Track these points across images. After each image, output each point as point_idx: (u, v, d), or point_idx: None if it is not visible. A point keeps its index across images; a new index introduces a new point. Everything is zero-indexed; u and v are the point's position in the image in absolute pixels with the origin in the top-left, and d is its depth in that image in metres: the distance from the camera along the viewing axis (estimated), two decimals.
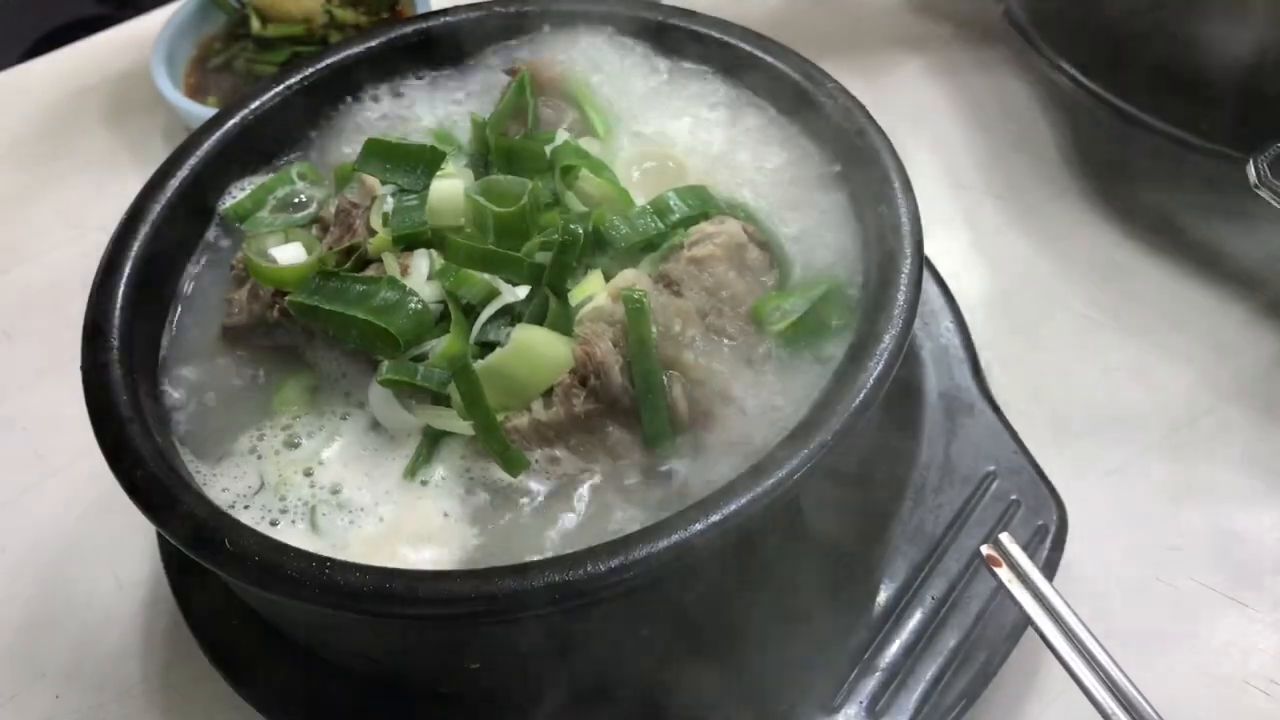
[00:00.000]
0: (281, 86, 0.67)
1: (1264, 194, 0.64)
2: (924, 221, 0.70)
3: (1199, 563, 0.63)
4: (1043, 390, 0.70)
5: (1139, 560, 0.63)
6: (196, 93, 0.91)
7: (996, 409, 0.65)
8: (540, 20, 0.69)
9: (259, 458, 0.55)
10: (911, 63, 0.92)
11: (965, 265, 0.74)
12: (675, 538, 0.46)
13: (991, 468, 0.62)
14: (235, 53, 0.92)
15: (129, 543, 0.69)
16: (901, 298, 0.53)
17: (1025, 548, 0.58)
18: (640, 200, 0.61)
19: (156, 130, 0.95)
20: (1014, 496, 0.61)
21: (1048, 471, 0.62)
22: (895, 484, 0.61)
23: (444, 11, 0.70)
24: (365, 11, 0.95)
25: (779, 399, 0.54)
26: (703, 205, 0.60)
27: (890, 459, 0.62)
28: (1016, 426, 0.64)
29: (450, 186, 0.59)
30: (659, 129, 0.65)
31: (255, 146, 0.66)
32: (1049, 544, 0.59)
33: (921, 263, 0.55)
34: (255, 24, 0.91)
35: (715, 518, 0.46)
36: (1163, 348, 0.72)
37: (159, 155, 0.83)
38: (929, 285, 0.71)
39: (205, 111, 0.85)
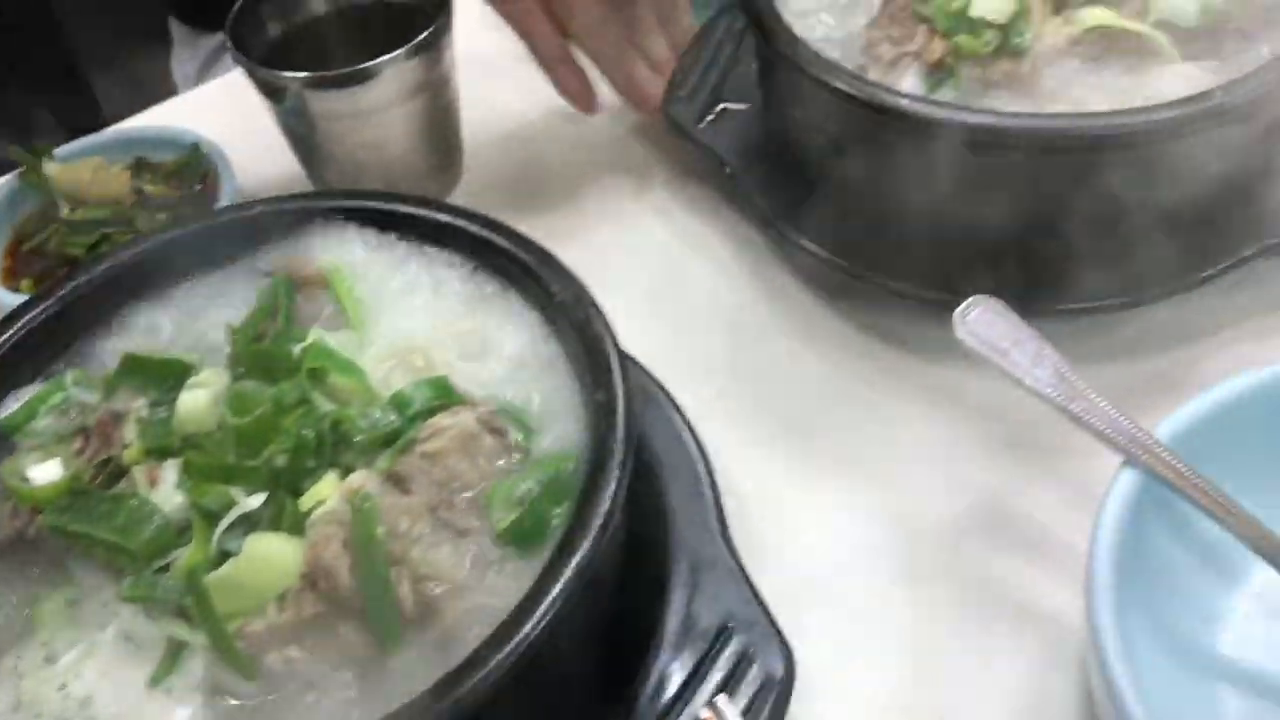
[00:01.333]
0: (63, 291, 0.71)
1: (969, 343, 0.70)
2: (674, 367, 0.77)
3: (937, 705, 0.68)
4: (784, 535, 0.75)
5: (874, 711, 0.67)
6: (13, 275, 0.95)
7: (737, 559, 0.69)
8: (306, 217, 0.74)
9: (20, 676, 0.58)
10: (642, 209, 0.98)
11: (713, 412, 0.78)
12: None
13: (729, 621, 0.66)
14: (48, 235, 0.95)
15: None
16: (609, 493, 0.58)
17: (754, 700, 0.63)
18: (388, 394, 0.65)
19: None
20: (748, 649, 0.65)
21: (784, 619, 0.66)
22: (636, 644, 0.66)
23: (223, 210, 0.75)
24: (175, 185, 0.99)
25: (503, 591, 0.58)
26: (440, 396, 0.64)
27: (631, 618, 0.66)
28: (758, 575, 0.68)
29: (196, 398, 0.63)
30: (412, 320, 0.70)
31: (35, 354, 0.70)
32: (774, 697, 0.63)
33: (631, 452, 0.60)
34: (64, 209, 0.95)
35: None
36: (902, 483, 0.77)
37: None
38: (685, 434, 0.75)
39: (14, 299, 0.88)
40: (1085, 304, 0.77)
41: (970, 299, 0.70)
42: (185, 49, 1.60)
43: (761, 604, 0.67)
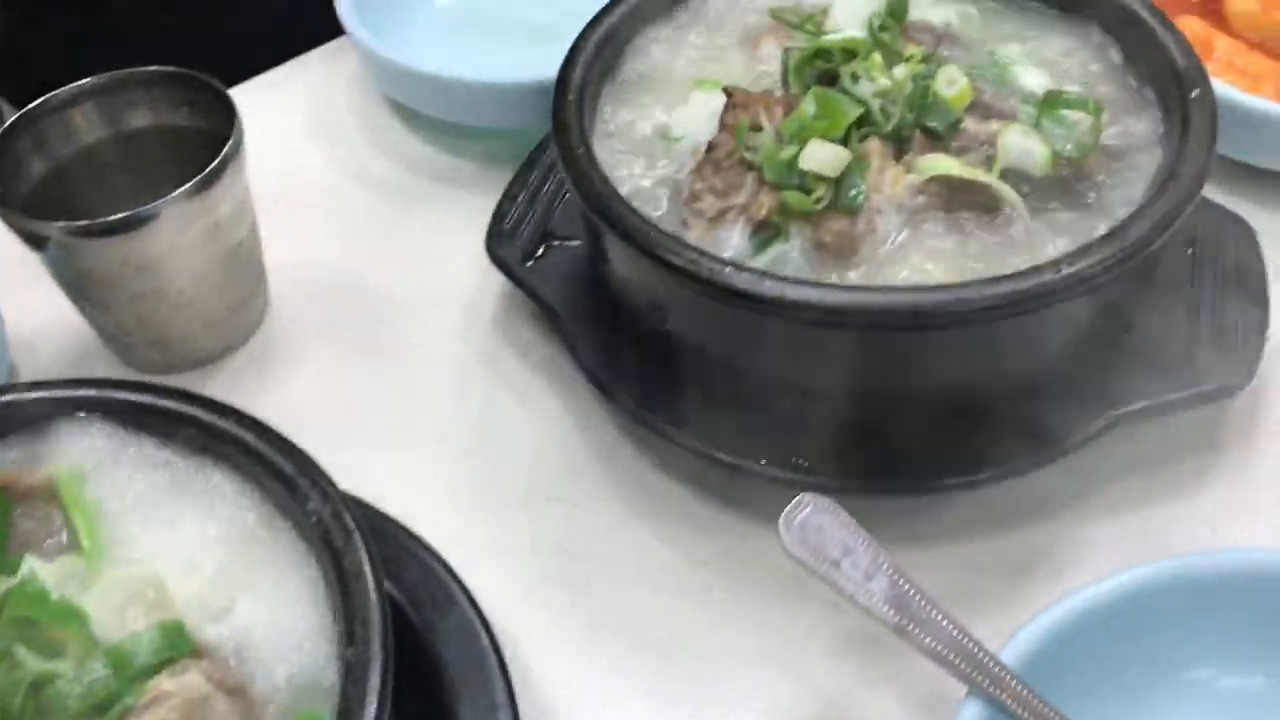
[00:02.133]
0: None
1: (796, 554, 0.62)
2: (483, 546, 0.73)
3: None
4: None
5: None
6: None
7: None
8: (35, 411, 0.64)
9: None
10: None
11: (525, 604, 0.71)
12: None
13: None
14: None
15: None
16: None
17: None
18: (120, 636, 0.55)
19: None
20: None
21: None
22: None
23: None
24: None
25: None
26: (169, 647, 0.54)
27: None
28: None
29: None
30: (152, 540, 0.60)
31: None
32: None
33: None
34: None
35: None
36: (739, 687, 0.69)
37: None
38: (486, 647, 0.66)
39: None
40: (928, 482, 0.70)
41: (797, 499, 0.62)
42: None
43: None
